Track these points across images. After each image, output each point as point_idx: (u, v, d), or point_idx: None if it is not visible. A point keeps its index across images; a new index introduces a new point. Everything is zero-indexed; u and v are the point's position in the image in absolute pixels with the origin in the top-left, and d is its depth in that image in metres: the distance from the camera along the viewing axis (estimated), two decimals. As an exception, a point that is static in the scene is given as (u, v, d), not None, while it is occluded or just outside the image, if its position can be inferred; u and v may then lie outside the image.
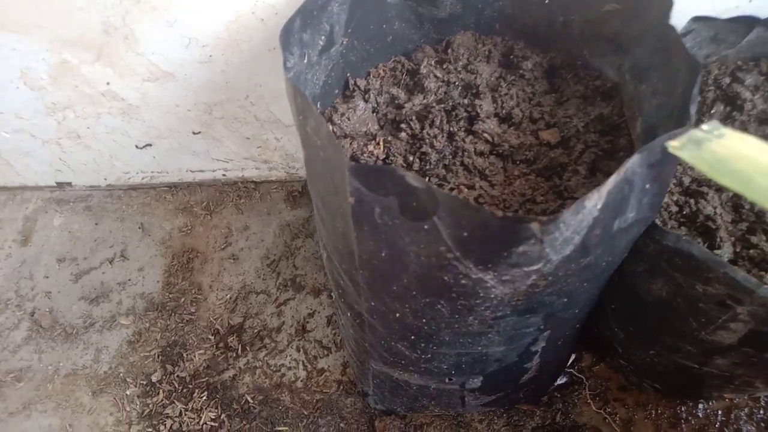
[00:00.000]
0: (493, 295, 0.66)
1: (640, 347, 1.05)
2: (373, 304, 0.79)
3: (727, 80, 1.00)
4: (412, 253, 0.63)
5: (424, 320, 0.75)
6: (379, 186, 0.57)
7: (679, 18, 0.96)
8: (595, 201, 0.55)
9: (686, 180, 0.90)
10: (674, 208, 0.88)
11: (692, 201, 0.87)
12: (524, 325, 0.75)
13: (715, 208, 0.86)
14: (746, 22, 0.98)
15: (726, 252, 0.83)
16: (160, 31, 1.04)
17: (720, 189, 0.89)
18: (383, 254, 0.66)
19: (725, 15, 0.96)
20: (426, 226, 0.58)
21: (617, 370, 1.19)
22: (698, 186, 0.89)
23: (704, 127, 0.46)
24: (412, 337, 0.82)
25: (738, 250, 0.84)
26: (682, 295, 0.83)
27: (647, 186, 0.62)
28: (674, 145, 0.45)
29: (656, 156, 0.59)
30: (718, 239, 0.84)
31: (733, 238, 0.85)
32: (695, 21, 0.96)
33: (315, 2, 0.82)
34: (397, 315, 0.77)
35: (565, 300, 0.72)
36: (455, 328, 0.75)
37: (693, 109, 0.63)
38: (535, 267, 0.60)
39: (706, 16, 0.96)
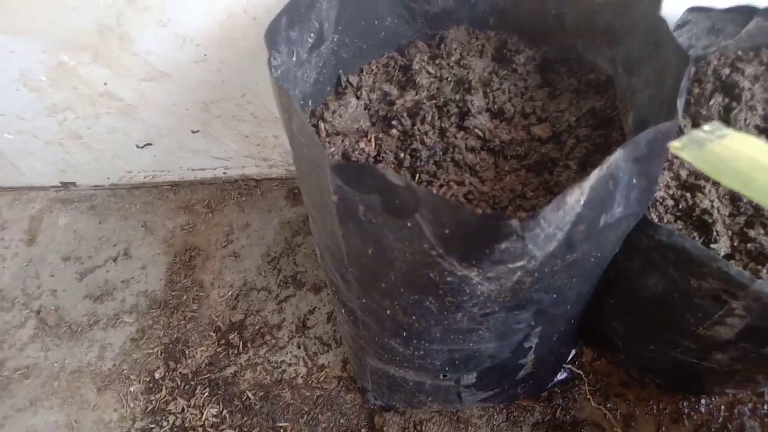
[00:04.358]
0: (479, 292, 0.65)
1: (639, 343, 1.03)
2: (364, 301, 0.79)
3: (727, 71, 0.98)
4: (397, 251, 0.63)
5: (414, 317, 0.75)
6: (360, 184, 0.57)
7: (676, 9, 0.94)
8: (577, 196, 0.54)
9: (683, 173, 0.89)
10: (670, 202, 0.86)
11: (689, 195, 0.86)
12: (514, 321, 0.75)
13: (712, 201, 0.85)
14: (744, 12, 0.95)
15: (723, 246, 0.82)
16: (154, 31, 1.05)
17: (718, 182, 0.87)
18: (369, 251, 0.66)
19: (722, 5, 0.94)
20: (409, 224, 0.58)
21: (618, 366, 1.18)
22: (695, 179, 0.87)
23: (706, 127, 0.46)
24: (404, 334, 0.82)
25: (735, 244, 0.83)
26: (677, 290, 0.82)
27: (634, 181, 0.61)
28: (675, 146, 0.45)
29: (641, 150, 0.58)
30: (715, 233, 0.82)
31: (730, 232, 0.83)
32: (691, 12, 0.94)
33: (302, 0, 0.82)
34: (388, 312, 0.77)
35: (554, 296, 0.71)
36: (445, 324, 0.75)
37: (680, 103, 0.62)
38: (519, 263, 0.59)
39: (703, 6, 0.94)
